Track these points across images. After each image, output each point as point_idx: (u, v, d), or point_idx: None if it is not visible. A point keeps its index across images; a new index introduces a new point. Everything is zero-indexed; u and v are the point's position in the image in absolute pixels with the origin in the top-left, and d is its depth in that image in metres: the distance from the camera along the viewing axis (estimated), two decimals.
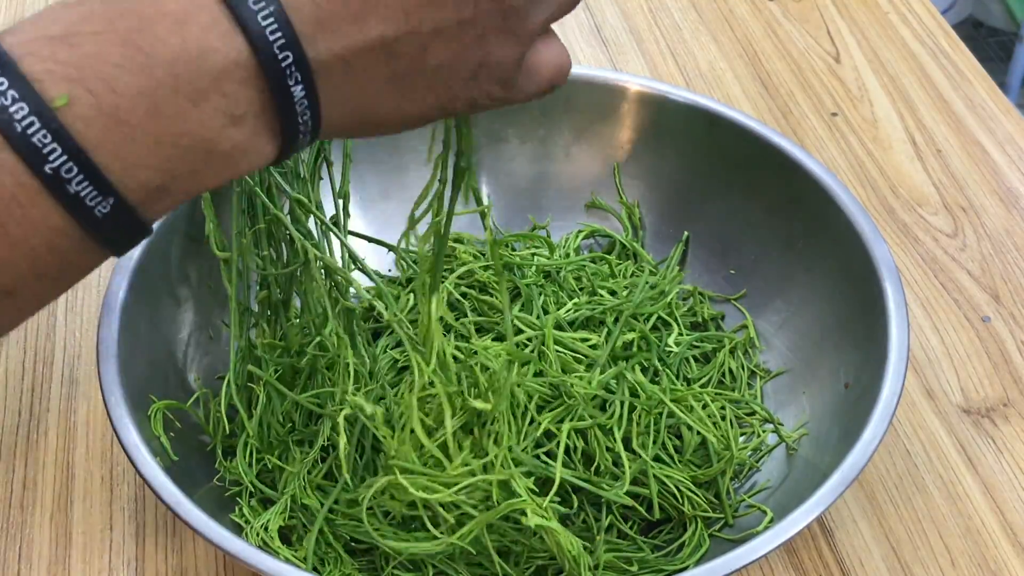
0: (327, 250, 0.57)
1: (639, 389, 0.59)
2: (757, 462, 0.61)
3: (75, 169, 0.31)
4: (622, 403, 0.58)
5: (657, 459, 0.58)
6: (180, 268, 0.62)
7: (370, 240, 0.65)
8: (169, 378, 0.60)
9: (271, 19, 0.32)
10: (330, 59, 0.34)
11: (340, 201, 0.59)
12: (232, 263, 0.57)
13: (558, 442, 0.55)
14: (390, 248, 0.67)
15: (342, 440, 0.53)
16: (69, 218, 0.31)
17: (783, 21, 0.92)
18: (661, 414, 0.59)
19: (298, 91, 0.33)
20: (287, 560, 0.54)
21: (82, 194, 0.31)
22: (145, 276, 0.59)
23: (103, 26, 0.31)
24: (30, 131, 0.30)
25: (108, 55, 0.31)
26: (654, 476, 0.57)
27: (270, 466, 0.58)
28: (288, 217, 0.56)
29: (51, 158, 0.30)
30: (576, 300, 0.64)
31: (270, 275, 0.57)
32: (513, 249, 0.69)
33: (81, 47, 0.31)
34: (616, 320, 0.63)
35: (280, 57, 0.32)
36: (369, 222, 0.70)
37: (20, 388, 0.67)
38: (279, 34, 0.32)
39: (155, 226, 0.34)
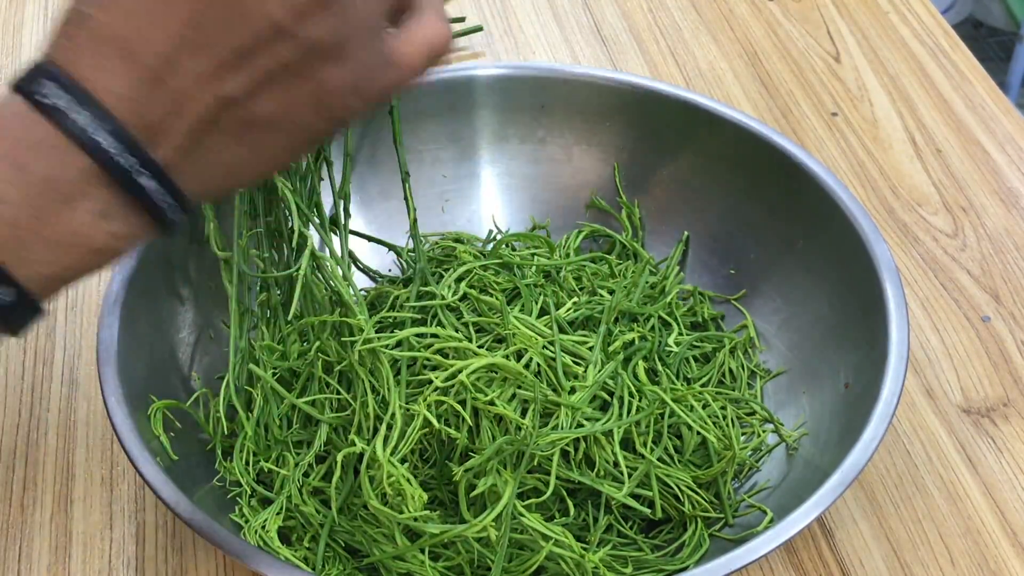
0: (327, 250, 0.57)
1: (640, 389, 0.59)
2: (757, 462, 0.61)
3: None
4: (621, 403, 0.58)
5: (659, 459, 0.58)
6: (181, 268, 0.62)
7: (370, 240, 0.65)
8: (169, 378, 0.60)
9: (105, 133, 0.37)
10: (173, 152, 0.38)
11: (341, 201, 0.59)
12: (232, 264, 0.57)
13: (551, 455, 0.55)
14: (390, 247, 0.67)
15: (336, 473, 0.54)
16: None
17: (783, 21, 0.92)
18: (663, 414, 0.59)
19: (151, 184, 0.38)
20: (287, 560, 0.54)
21: None
22: (146, 276, 0.59)
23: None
24: None
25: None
26: (656, 477, 0.57)
27: (266, 469, 0.58)
28: (291, 219, 0.56)
29: None
30: (576, 300, 0.64)
31: (269, 277, 0.57)
32: (513, 249, 0.69)
33: None
34: (616, 320, 0.62)
35: (119, 161, 0.37)
36: (369, 222, 0.70)
37: (20, 388, 0.67)
38: (115, 142, 0.37)
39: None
